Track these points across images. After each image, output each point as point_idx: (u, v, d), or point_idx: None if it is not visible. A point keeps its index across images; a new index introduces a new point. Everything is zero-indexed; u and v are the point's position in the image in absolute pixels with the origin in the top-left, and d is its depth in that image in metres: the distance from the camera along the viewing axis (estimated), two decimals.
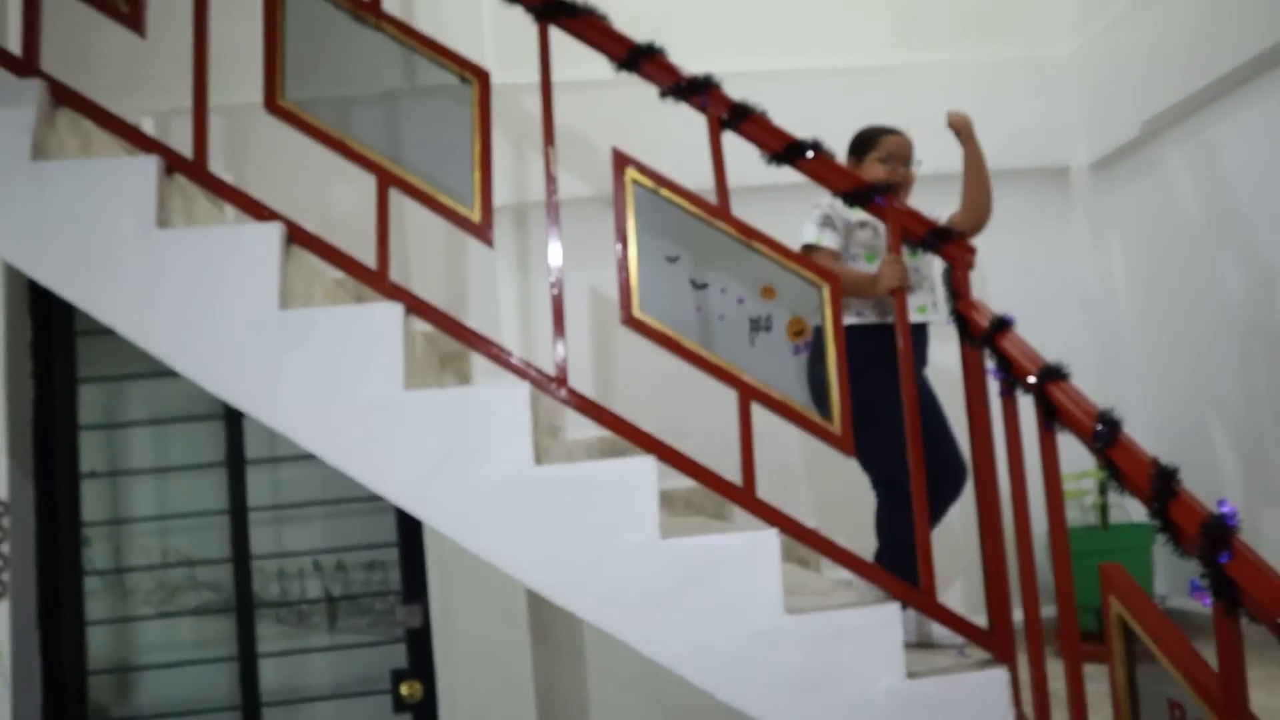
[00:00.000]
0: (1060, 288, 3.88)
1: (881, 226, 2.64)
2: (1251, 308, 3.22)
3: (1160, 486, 1.42)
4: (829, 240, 2.77)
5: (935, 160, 3.77)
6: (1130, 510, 3.42)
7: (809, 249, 2.76)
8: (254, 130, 3.23)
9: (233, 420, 3.20)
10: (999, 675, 1.87)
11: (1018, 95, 3.92)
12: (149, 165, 1.92)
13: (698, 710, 3.16)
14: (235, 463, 3.21)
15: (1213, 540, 1.29)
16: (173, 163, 2.00)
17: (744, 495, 1.97)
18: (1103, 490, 3.42)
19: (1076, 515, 3.50)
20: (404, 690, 3.08)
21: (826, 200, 2.77)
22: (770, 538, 1.86)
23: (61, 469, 3.11)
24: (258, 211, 2.01)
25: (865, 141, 2.93)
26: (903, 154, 2.90)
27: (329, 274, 2.46)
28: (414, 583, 3.13)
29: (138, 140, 2.03)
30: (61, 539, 3.09)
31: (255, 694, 3.14)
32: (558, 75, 2.11)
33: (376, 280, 2.01)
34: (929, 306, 2.81)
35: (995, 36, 4.01)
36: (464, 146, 2.06)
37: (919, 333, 2.78)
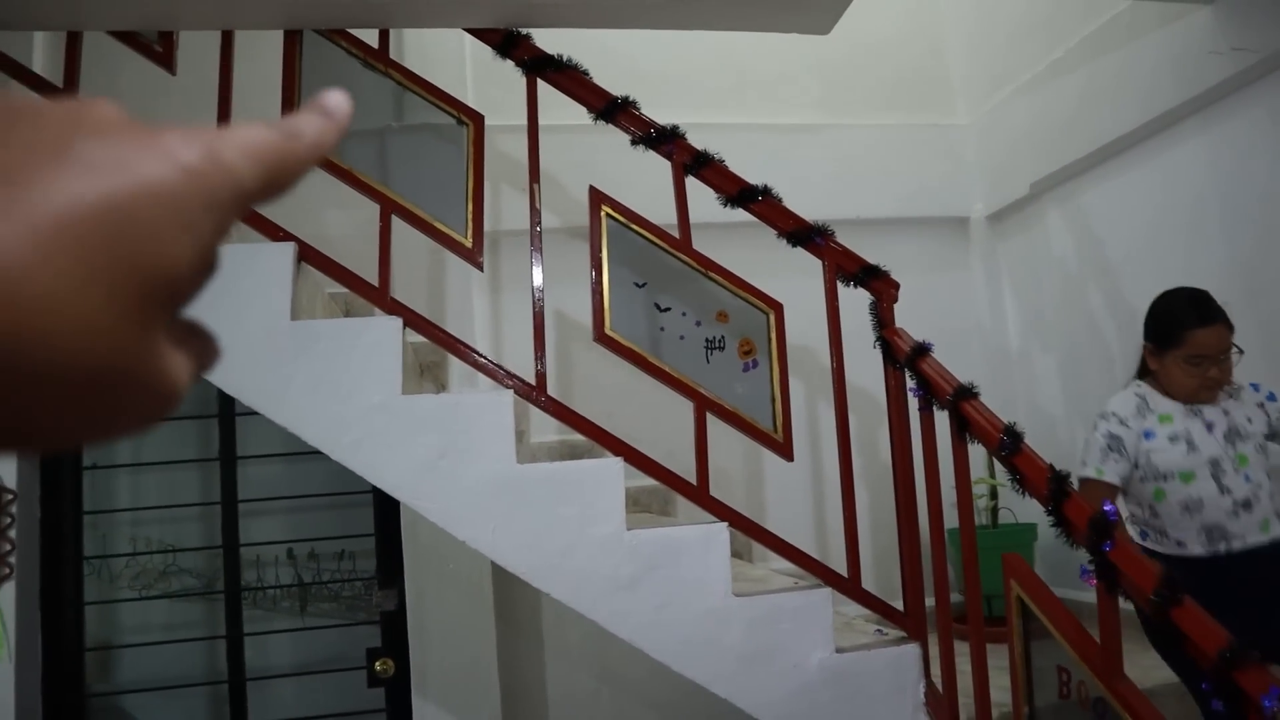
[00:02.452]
0: (960, 320, 4.05)
1: (1198, 436, 2.11)
2: (1117, 340, 3.43)
3: (1056, 489, 1.53)
4: (1112, 473, 2.12)
5: (857, 208, 3.95)
6: (1014, 512, 3.57)
7: (1085, 481, 2.12)
8: None
9: (225, 420, 3.16)
10: (912, 650, 1.96)
11: (926, 156, 4.12)
12: None
13: (640, 684, 3.22)
14: (227, 459, 3.17)
15: (1098, 532, 1.40)
16: None
17: (699, 493, 2.03)
18: (993, 495, 3.58)
19: None
20: (378, 667, 3.07)
21: (1115, 409, 2.19)
22: (721, 530, 1.93)
23: (65, 461, 3.04)
24: (273, 232, 2.02)
25: (1167, 335, 2.17)
26: (1217, 348, 2.12)
27: (325, 289, 2.46)
28: (390, 569, 3.12)
29: None
30: (64, 526, 3.01)
31: (241, 670, 3.10)
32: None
33: (379, 297, 2.03)
34: (1271, 521, 2.11)
35: (909, 106, 4.21)
36: (458, 180, 2.10)
37: (1257, 559, 2.08)
